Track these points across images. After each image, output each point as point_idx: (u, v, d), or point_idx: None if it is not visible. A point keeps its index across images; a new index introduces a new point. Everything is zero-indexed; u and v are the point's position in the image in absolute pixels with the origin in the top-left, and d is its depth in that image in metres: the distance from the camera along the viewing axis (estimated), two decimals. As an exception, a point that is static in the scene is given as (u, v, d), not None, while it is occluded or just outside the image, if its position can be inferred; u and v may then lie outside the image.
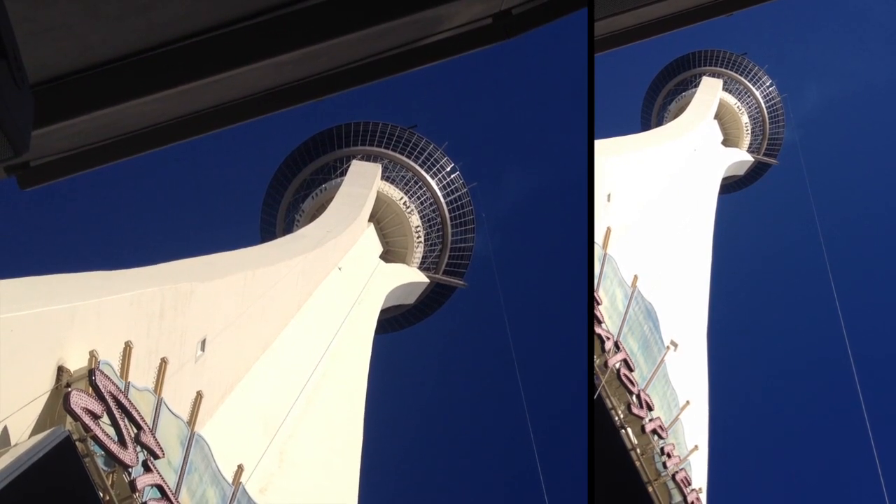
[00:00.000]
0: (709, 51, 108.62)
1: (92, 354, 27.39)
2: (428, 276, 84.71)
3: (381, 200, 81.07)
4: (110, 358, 28.60)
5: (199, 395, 34.29)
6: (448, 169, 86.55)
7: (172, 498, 29.55)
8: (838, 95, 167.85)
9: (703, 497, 48.70)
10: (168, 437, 30.73)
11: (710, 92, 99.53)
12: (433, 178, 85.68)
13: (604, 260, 45.23)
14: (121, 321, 30.34)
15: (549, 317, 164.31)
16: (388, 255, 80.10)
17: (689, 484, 46.12)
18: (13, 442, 24.24)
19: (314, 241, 59.91)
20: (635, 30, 10.51)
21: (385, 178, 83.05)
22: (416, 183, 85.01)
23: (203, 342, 37.44)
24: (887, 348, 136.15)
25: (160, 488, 29.11)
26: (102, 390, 27.03)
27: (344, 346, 55.02)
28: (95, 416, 26.57)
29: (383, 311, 71.14)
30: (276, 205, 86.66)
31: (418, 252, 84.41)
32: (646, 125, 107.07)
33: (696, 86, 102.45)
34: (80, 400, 26.12)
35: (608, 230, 46.93)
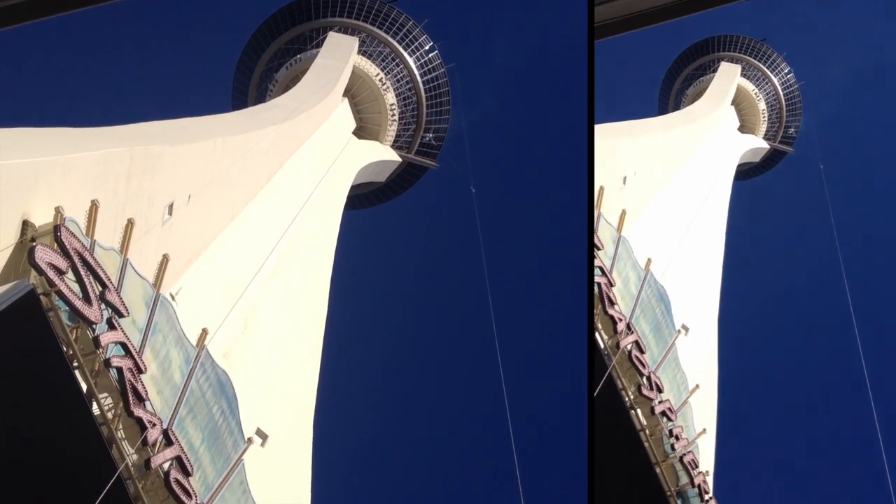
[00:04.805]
0: (728, 36, 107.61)
1: (58, 211, 27.19)
2: (400, 155, 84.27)
3: (356, 75, 79.64)
4: (76, 217, 28.41)
5: (165, 258, 34.33)
6: (427, 47, 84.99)
7: (136, 356, 29.93)
8: (859, 81, 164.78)
9: (710, 480, 49.34)
10: (133, 297, 30.89)
11: (728, 78, 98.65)
12: (411, 56, 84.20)
13: (618, 242, 45.53)
14: (87, 180, 29.99)
15: (540, 211, 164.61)
16: (362, 132, 79.33)
17: (697, 466, 46.84)
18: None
19: (287, 111, 59.08)
20: (656, 11, 10.30)
21: (362, 52, 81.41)
22: (393, 60, 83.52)
23: (171, 206, 37.23)
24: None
25: (124, 346, 29.43)
26: (67, 247, 26.95)
27: (313, 219, 55.05)
28: (60, 272, 26.57)
29: (353, 188, 70.98)
30: (249, 73, 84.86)
31: (392, 130, 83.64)
32: (663, 109, 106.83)
33: (715, 71, 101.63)
34: (45, 255, 26.07)
35: (623, 213, 47.15)
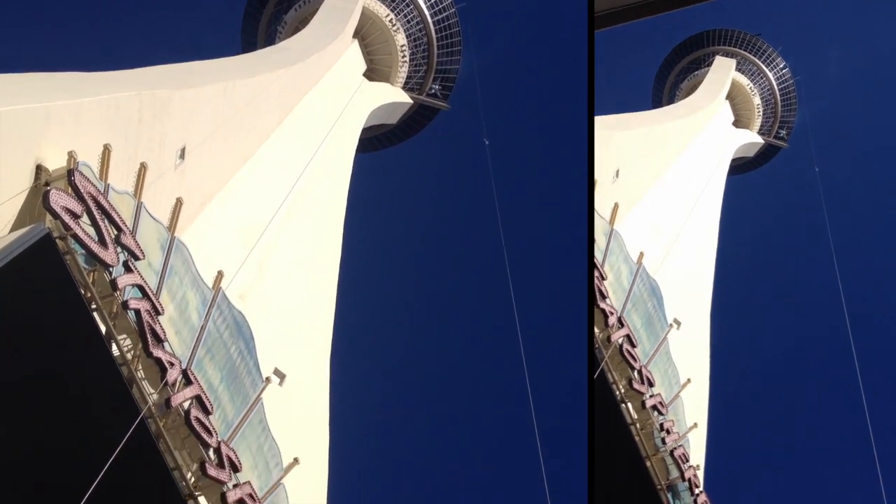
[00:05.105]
0: (723, 30, 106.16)
1: (71, 155, 27.37)
2: (411, 97, 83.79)
3: (366, 17, 78.81)
4: (89, 161, 28.57)
5: (178, 202, 34.55)
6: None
7: (153, 298, 30.32)
8: (854, 76, 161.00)
9: (700, 474, 49.34)
10: (148, 240, 31.19)
11: (723, 72, 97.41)
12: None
13: (610, 235, 45.36)
14: (98, 124, 30.12)
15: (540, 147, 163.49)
16: (372, 74, 78.81)
17: (687, 460, 46.75)
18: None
19: (296, 54, 58.75)
20: (651, 4, 10.17)
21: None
22: (402, 0, 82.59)
23: (182, 150, 37.37)
24: (889, 332, 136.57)
25: (141, 288, 29.81)
26: (82, 191, 27.18)
27: (325, 162, 55.08)
28: (75, 216, 26.84)
29: (364, 130, 70.80)
30: (258, 15, 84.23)
31: (403, 72, 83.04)
32: (657, 102, 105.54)
33: (709, 65, 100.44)
34: (60, 199, 26.30)
35: (615, 206, 46.73)
